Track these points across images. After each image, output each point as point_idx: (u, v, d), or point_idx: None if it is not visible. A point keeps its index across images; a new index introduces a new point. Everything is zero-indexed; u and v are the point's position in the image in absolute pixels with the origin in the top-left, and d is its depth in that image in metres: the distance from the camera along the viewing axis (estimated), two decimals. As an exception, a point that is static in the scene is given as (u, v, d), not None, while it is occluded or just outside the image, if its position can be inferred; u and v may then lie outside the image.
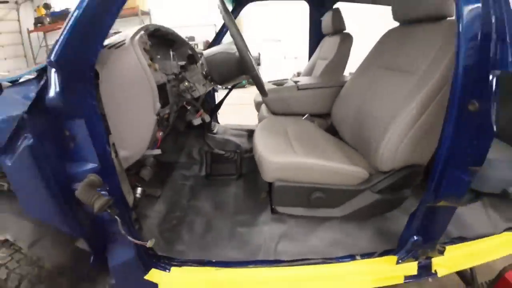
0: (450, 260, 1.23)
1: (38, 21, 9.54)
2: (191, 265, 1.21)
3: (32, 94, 0.91)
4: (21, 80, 1.04)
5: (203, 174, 1.93)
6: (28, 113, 0.89)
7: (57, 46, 0.87)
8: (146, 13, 9.79)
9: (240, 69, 1.42)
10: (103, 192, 0.97)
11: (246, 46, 1.40)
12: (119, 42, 1.16)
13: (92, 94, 0.93)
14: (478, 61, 0.88)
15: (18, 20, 10.16)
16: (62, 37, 0.87)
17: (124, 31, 1.36)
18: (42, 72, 0.95)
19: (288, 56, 10.57)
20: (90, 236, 1.11)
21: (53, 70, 0.88)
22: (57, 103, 0.89)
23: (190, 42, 7.99)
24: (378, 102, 1.47)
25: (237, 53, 1.34)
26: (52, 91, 0.88)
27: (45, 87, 0.90)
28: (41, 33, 10.05)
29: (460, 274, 1.52)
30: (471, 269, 1.41)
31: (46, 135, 0.94)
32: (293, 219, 1.39)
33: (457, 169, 0.98)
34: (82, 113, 0.92)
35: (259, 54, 9.70)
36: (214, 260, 1.23)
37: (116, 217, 0.97)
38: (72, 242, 1.16)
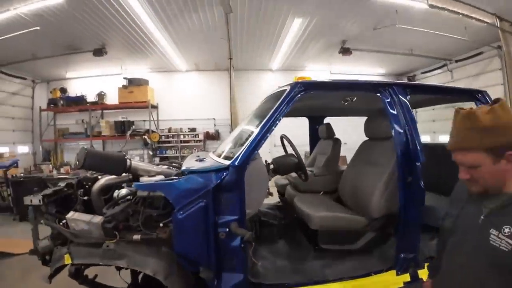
0: None
1: (52, 102, 10.57)
2: None
3: (215, 180, 1.73)
4: (206, 170, 1.86)
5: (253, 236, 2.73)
6: (213, 188, 1.71)
7: (240, 156, 1.76)
8: (155, 107, 11.26)
9: (297, 168, 2.46)
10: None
11: (301, 158, 2.50)
12: (254, 157, 2.04)
13: (243, 183, 1.78)
14: (407, 158, 1.98)
15: (32, 97, 11.14)
16: (245, 151, 1.78)
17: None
18: (221, 169, 1.79)
19: (277, 144, 12.06)
20: (218, 266, 1.74)
21: (234, 170, 1.75)
22: (231, 185, 1.74)
23: (192, 133, 9.30)
24: (364, 181, 2.57)
25: (296, 161, 2.41)
26: (231, 179, 1.74)
27: (223, 177, 1.73)
28: (51, 113, 10.97)
29: None
30: None
31: (212, 201, 1.71)
32: (329, 255, 2.24)
33: (412, 209, 1.97)
34: (239, 190, 1.77)
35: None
36: (286, 283, 1.95)
37: (253, 243, 1.72)
38: (193, 275, 1.75)
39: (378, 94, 2.13)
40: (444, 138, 10.86)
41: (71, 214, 1.83)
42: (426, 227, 2.48)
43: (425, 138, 11.97)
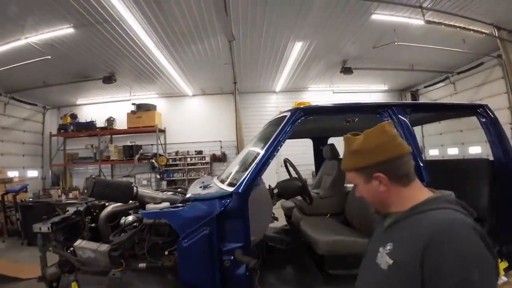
0: None
1: (62, 127, 10.86)
2: None
3: (219, 207, 1.76)
4: (207, 198, 1.90)
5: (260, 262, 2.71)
6: (217, 215, 1.74)
7: (244, 183, 1.81)
8: (162, 131, 11.51)
9: (301, 192, 2.50)
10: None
11: (306, 181, 2.53)
12: (257, 182, 2.09)
13: (247, 209, 1.81)
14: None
15: (43, 123, 11.50)
16: (247, 179, 1.83)
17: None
18: (224, 196, 1.82)
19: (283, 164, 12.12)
20: None
21: (237, 197, 1.79)
22: (235, 212, 1.77)
23: (199, 156, 9.40)
24: None
25: (300, 184, 2.45)
26: (235, 206, 1.78)
27: (227, 204, 1.76)
28: (60, 138, 11.27)
29: None
30: None
31: (216, 228, 1.74)
32: (337, 280, 2.23)
33: None
34: (243, 216, 1.80)
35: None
36: None
37: (259, 270, 1.75)
38: None
39: (378, 116, 2.17)
40: (453, 151, 10.78)
41: (78, 242, 1.90)
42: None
43: (433, 152, 11.90)
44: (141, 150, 11.08)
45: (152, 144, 11.33)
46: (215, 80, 10.41)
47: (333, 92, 11.84)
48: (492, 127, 2.46)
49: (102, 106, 11.44)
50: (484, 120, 2.50)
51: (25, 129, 10.60)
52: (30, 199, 6.99)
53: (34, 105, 10.76)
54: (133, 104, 10.84)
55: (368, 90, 12.26)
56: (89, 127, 10.87)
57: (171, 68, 8.87)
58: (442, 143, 11.46)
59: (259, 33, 7.18)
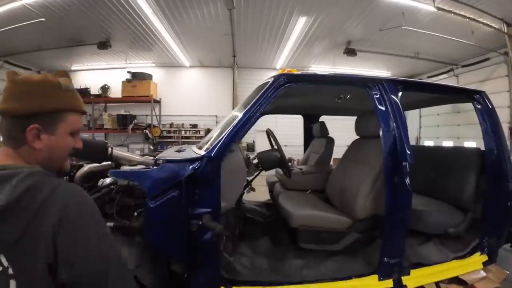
0: (415, 278, 2.01)
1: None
2: (245, 286, 1.85)
3: (188, 170, 1.66)
4: (180, 160, 1.79)
5: (237, 232, 2.65)
6: (186, 178, 1.63)
7: (216, 147, 1.70)
8: (157, 102, 11.28)
9: (279, 164, 2.43)
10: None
11: (283, 152, 2.44)
12: (232, 149, 2.01)
13: (218, 175, 1.71)
14: (394, 157, 1.89)
15: None
16: (220, 143, 1.71)
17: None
18: (195, 159, 1.72)
19: (288, 144, 12.07)
20: (189, 260, 1.68)
21: (209, 161, 1.68)
22: (205, 176, 1.67)
23: (193, 129, 9.28)
24: (351, 180, 2.49)
25: (279, 156, 2.36)
26: (205, 170, 1.66)
27: (197, 168, 1.66)
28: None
29: None
30: None
31: (185, 191, 1.64)
32: (310, 255, 2.17)
33: (398, 212, 1.88)
34: (214, 182, 1.69)
35: (254, 142, 11.08)
36: (260, 281, 1.89)
37: (223, 236, 1.68)
38: (165, 265, 1.69)
39: (367, 90, 2.03)
40: (448, 144, 10.70)
41: None
42: (415, 232, 2.41)
43: (428, 143, 11.84)
44: (135, 120, 10.92)
45: (146, 115, 11.14)
46: (213, 51, 10.09)
47: (335, 74, 11.57)
48: (487, 115, 2.35)
49: (97, 73, 11.16)
50: (480, 107, 2.38)
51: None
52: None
53: (28, 69, 10.45)
54: (128, 72, 10.55)
55: (370, 74, 11.98)
56: (84, 94, 10.55)
57: (167, 34, 8.52)
58: (438, 135, 11.38)
59: (261, 2, 6.85)
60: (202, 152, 1.78)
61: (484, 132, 2.34)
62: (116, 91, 10.84)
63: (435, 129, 11.43)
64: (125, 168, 1.90)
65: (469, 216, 2.43)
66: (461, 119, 9.82)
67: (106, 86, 10.90)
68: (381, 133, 1.96)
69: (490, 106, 2.38)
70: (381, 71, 11.91)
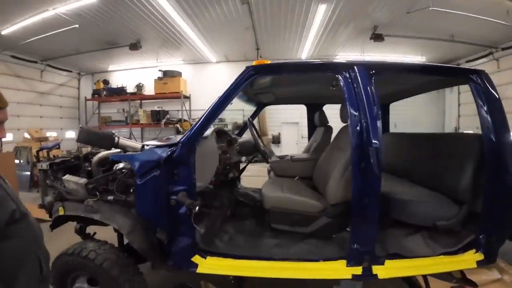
0: (390, 269, 1.97)
1: (96, 93, 11.62)
2: (218, 256, 2.06)
3: (166, 153, 1.94)
4: (160, 145, 2.08)
5: (228, 214, 2.87)
6: (164, 160, 1.91)
7: (187, 134, 1.93)
8: (187, 97, 11.82)
9: (255, 150, 2.62)
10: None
11: (258, 140, 2.60)
12: (206, 135, 2.23)
13: (193, 157, 1.96)
14: (361, 143, 1.89)
15: (78, 88, 12.48)
16: (192, 131, 1.95)
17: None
18: (172, 145, 1.99)
19: (305, 135, 12.09)
20: (169, 229, 1.98)
21: (181, 146, 1.94)
22: (180, 159, 1.92)
23: (221, 123, 9.68)
24: (329, 166, 2.51)
25: (253, 143, 2.57)
26: (179, 153, 1.93)
27: (173, 151, 1.93)
28: (95, 103, 12.10)
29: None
30: (427, 285, 2.14)
31: (164, 171, 1.93)
32: (285, 236, 2.28)
33: (365, 198, 1.89)
34: (188, 164, 1.94)
35: (279, 134, 11.23)
36: (232, 254, 2.07)
37: (193, 210, 1.86)
38: (152, 233, 1.98)
39: (338, 76, 2.01)
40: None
41: (66, 176, 2.26)
42: (403, 223, 2.36)
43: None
44: (168, 115, 11.56)
45: (178, 110, 11.73)
46: (237, 46, 10.27)
47: (363, 62, 11.14)
48: (486, 97, 2.11)
49: (132, 72, 11.96)
50: (478, 89, 2.14)
51: (61, 94, 11.61)
52: (63, 154, 7.76)
53: (69, 71, 11.60)
54: (159, 70, 11.18)
55: (404, 61, 11.33)
56: (120, 92, 11.49)
57: (192, 32, 8.88)
58: (478, 125, 10.30)
59: (278, -7, 6.85)
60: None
61: (481, 116, 2.12)
62: (149, 89, 11.54)
63: (475, 118, 10.49)
64: (129, 153, 2.20)
65: (464, 209, 2.23)
66: (504, 107, 8.97)
67: (141, 84, 11.64)
68: (349, 119, 1.97)
69: (491, 88, 2.16)
70: (414, 57, 11.23)
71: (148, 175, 1.92)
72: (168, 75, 11.12)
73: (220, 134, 3.19)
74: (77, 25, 7.48)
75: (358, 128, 1.91)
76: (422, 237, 2.24)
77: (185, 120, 11.47)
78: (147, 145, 2.14)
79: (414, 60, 11.46)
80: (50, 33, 7.74)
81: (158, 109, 11.54)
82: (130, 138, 11.47)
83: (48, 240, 1.87)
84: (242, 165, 3.72)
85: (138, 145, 2.36)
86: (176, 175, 1.95)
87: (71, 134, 11.83)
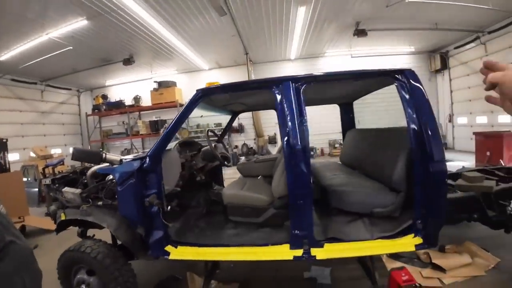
0: (328, 251, 2.21)
1: (96, 108, 12.06)
2: (187, 245, 2.39)
3: (138, 164, 2.29)
4: (134, 159, 2.42)
5: (204, 212, 3.24)
6: (136, 171, 2.26)
7: (153, 148, 2.29)
8: (183, 105, 12.08)
9: (213, 156, 3.07)
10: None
11: (214, 149, 3.05)
12: (169, 148, 2.58)
13: (160, 166, 2.31)
14: (289, 145, 2.14)
15: (78, 105, 12.97)
16: (157, 145, 2.30)
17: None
18: (143, 157, 2.33)
19: None
20: (146, 225, 2.33)
21: (149, 159, 2.29)
22: (148, 168, 2.28)
23: (218, 128, 10.04)
24: (278, 164, 2.81)
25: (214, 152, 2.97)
26: (148, 164, 2.28)
27: (144, 163, 2.29)
28: (96, 117, 12.55)
29: (366, 270, 2.52)
30: (372, 265, 2.41)
31: (139, 179, 2.28)
32: (243, 226, 2.63)
33: (297, 190, 2.15)
34: (156, 172, 2.29)
35: (275, 134, 11.51)
36: (199, 243, 2.40)
37: (160, 208, 2.26)
38: (134, 229, 2.35)
39: (271, 91, 2.28)
40: (482, 119, 9.90)
41: (65, 188, 2.71)
42: (345, 211, 2.61)
43: (461, 120, 11.03)
44: (166, 124, 11.92)
45: (175, 119, 12.07)
46: (226, 52, 10.58)
47: (351, 57, 11.30)
48: (412, 93, 2.19)
49: (129, 85, 12.42)
50: (403, 86, 2.22)
51: (63, 112, 12.14)
52: (67, 170, 8.17)
53: (68, 89, 12.13)
54: (155, 81, 11.57)
55: (392, 53, 11.48)
56: (119, 105, 11.93)
57: (182, 45, 9.24)
58: (471, 110, 10.59)
59: (258, 1, 7.08)
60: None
61: (407, 110, 2.20)
62: (146, 100, 11.96)
63: (467, 104, 10.59)
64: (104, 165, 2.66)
65: (400, 197, 2.42)
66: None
67: (138, 96, 12.04)
68: (280, 126, 2.23)
69: (416, 82, 2.23)
70: (403, 47, 11.34)
71: (126, 183, 2.31)
72: (163, 85, 11.49)
73: (190, 144, 3.61)
74: (71, 47, 7.90)
75: (286, 132, 2.19)
76: (363, 223, 2.46)
77: (183, 128, 11.81)
78: (125, 159, 2.53)
79: (402, 51, 11.58)
80: (46, 56, 8.21)
81: (156, 119, 11.94)
82: (131, 149, 11.88)
83: (58, 246, 2.57)
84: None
85: (119, 158, 2.72)
86: (147, 181, 2.34)
87: (75, 150, 12.29)
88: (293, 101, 2.22)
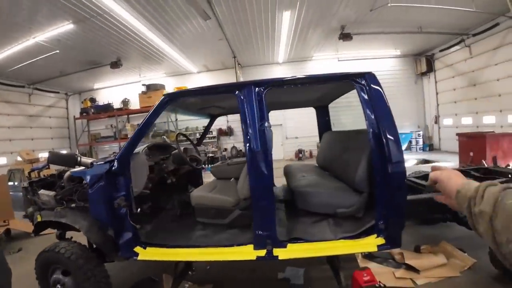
0: (290, 251, 2.25)
1: (84, 111, 11.98)
2: (155, 246, 2.42)
3: (107, 167, 2.32)
4: (103, 162, 2.45)
5: (178, 214, 3.27)
6: (105, 173, 2.29)
7: (121, 152, 2.34)
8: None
9: (183, 160, 3.13)
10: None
11: (183, 152, 3.14)
12: (137, 151, 2.64)
13: (128, 169, 2.35)
14: (250, 148, 2.20)
15: (66, 108, 12.88)
16: (124, 148, 2.34)
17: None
18: (112, 160, 2.37)
19: (289, 136, 12.36)
20: (116, 227, 2.36)
21: (117, 162, 2.32)
22: (117, 171, 2.31)
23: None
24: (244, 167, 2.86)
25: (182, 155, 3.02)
26: (116, 167, 2.31)
27: (113, 165, 2.32)
28: (85, 121, 12.47)
29: (334, 270, 2.56)
30: (339, 266, 2.47)
31: (107, 181, 2.31)
32: (211, 228, 2.67)
33: (258, 192, 2.20)
34: (123, 174, 2.32)
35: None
36: (167, 244, 2.43)
37: (128, 210, 2.29)
38: (105, 231, 2.39)
39: (235, 95, 2.32)
40: (467, 120, 10.09)
41: (40, 191, 2.75)
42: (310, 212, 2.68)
43: (448, 121, 11.22)
44: (155, 128, 11.91)
45: (164, 122, 12.09)
46: (214, 56, 10.64)
47: (338, 60, 11.44)
48: (372, 96, 2.22)
49: (117, 89, 12.40)
50: (363, 89, 2.27)
51: (51, 115, 12.05)
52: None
53: (56, 92, 12.05)
54: (143, 85, 11.56)
55: (378, 56, 11.65)
56: (107, 109, 11.89)
57: (170, 49, 9.29)
58: (456, 112, 10.79)
59: (243, 6, 7.18)
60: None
61: (366, 113, 2.24)
62: (135, 103, 11.93)
63: (453, 105, 10.80)
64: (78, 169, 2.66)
65: (363, 197, 2.47)
66: (478, 92, 9.22)
67: (126, 100, 12.02)
68: (242, 130, 2.32)
69: (375, 85, 2.26)
70: (389, 51, 11.52)
71: (96, 185, 2.35)
72: (152, 88, 11.48)
73: (163, 147, 3.65)
74: (57, 50, 7.89)
75: (248, 136, 2.24)
76: (327, 224, 2.50)
77: (171, 131, 11.82)
78: (96, 162, 2.56)
79: (389, 54, 11.75)
80: (34, 59, 8.18)
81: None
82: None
83: (41, 248, 2.52)
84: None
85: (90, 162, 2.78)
86: (116, 184, 2.38)
87: (62, 154, 12.22)
88: (254, 105, 2.26)
